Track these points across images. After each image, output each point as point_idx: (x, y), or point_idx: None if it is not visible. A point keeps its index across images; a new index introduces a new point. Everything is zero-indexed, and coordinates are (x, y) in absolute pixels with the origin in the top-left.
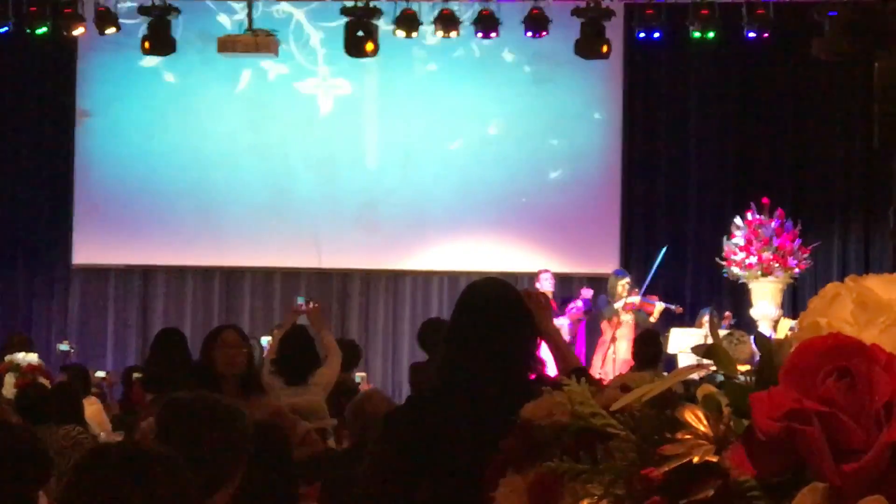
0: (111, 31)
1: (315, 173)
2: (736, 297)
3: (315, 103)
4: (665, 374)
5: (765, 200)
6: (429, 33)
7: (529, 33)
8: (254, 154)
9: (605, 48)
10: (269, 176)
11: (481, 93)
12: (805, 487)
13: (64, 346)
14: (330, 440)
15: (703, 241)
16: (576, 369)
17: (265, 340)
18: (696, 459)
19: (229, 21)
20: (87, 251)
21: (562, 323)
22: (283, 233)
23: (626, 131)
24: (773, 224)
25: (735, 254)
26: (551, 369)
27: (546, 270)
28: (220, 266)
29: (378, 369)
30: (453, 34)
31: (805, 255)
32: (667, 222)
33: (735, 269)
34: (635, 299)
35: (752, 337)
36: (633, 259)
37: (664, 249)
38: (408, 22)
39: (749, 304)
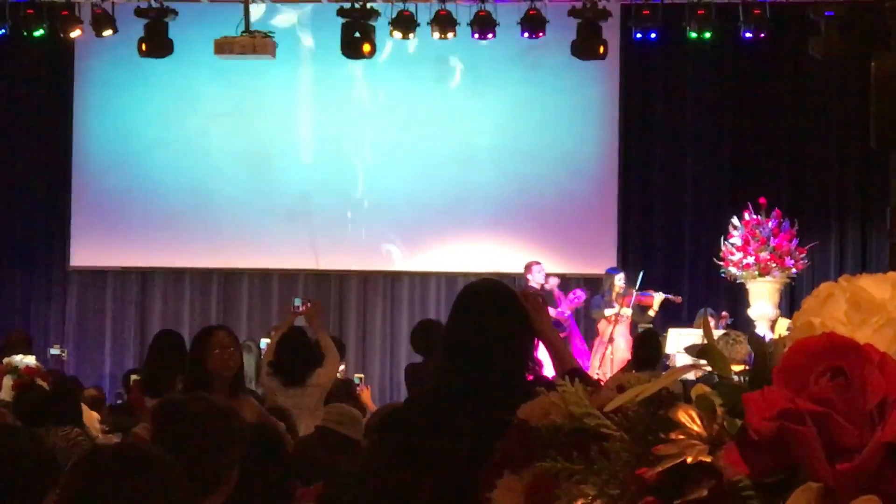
0: (108, 33)
1: (312, 175)
2: (733, 297)
3: (307, 105)
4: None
5: (762, 200)
6: (426, 34)
7: (526, 34)
8: (251, 156)
9: (601, 49)
10: (266, 177)
11: (478, 93)
12: (799, 487)
13: (55, 351)
14: None
15: (700, 241)
16: (572, 370)
17: (264, 343)
18: (689, 459)
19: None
20: (85, 253)
21: (562, 311)
22: (280, 234)
23: (622, 131)
24: (770, 224)
25: (732, 254)
26: (549, 370)
27: (537, 262)
28: (217, 268)
29: (376, 370)
30: (450, 35)
31: (802, 255)
32: (664, 222)
33: (732, 269)
34: (632, 292)
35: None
36: (629, 259)
37: (641, 273)
38: (404, 23)
39: (746, 304)
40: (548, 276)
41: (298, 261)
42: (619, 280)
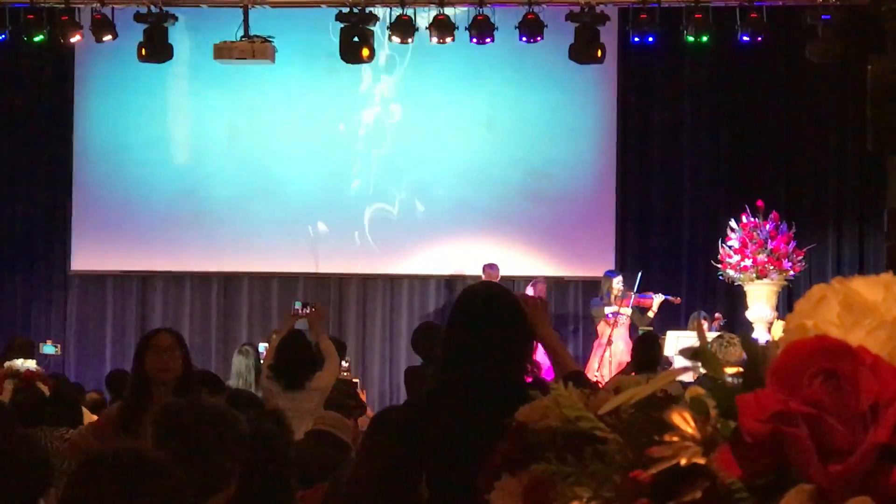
0: (108, 38)
1: (311, 179)
2: (731, 300)
3: (306, 109)
4: None
5: (759, 203)
6: (424, 39)
7: (524, 39)
8: (251, 160)
9: (599, 53)
10: (265, 181)
11: (476, 97)
12: (792, 489)
13: (49, 348)
14: None
15: (697, 244)
16: (572, 373)
17: (262, 347)
18: (683, 461)
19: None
20: (85, 257)
21: None
22: (280, 238)
23: (620, 135)
24: (767, 227)
25: (730, 256)
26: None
27: (492, 265)
28: (217, 272)
29: (375, 373)
30: (448, 40)
31: (800, 258)
32: (662, 225)
33: (730, 272)
34: (631, 294)
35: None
36: (628, 263)
37: (640, 275)
38: (403, 28)
39: (744, 307)
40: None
41: (298, 264)
42: (618, 282)
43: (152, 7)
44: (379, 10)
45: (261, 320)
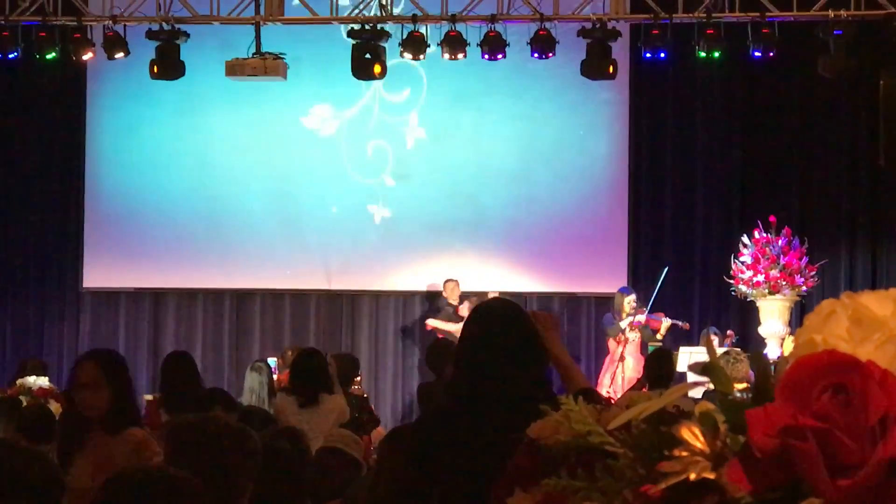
0: (120, 55)
1: (324, 195)
2: (744, 316)
3: (319, 125)
4: None
5: (772, 219)
6: (437, 55)
7: (536, 55)
8: (263, 177)
9: (611, 68)
10: (277, 198)
11: (488, 113)
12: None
13: None
14: None
15: (710, 260)
16: (583, 389)
17: (272, 361)
18: (692, 476)
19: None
20: (98, 275)
21: None
22: (293, 255)
23: (632, 151)
24: (780, 242)
25: (742, 272)
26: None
27: (452, 280)
28: (230, 288)
29: (388, 389)
30: (460, 56)
31: (812, 273)
32: (674, 241)
33: (743, 288)
34: (641, 317)
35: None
36: (641, 278)
37: (665, 269)
38: (415, 44)
39: (757, 322)
40: (464, 296)
41: (310, 281)
42: (631, 300)
43: (164, 24)
44: (391, 27)
45: (273, 337)
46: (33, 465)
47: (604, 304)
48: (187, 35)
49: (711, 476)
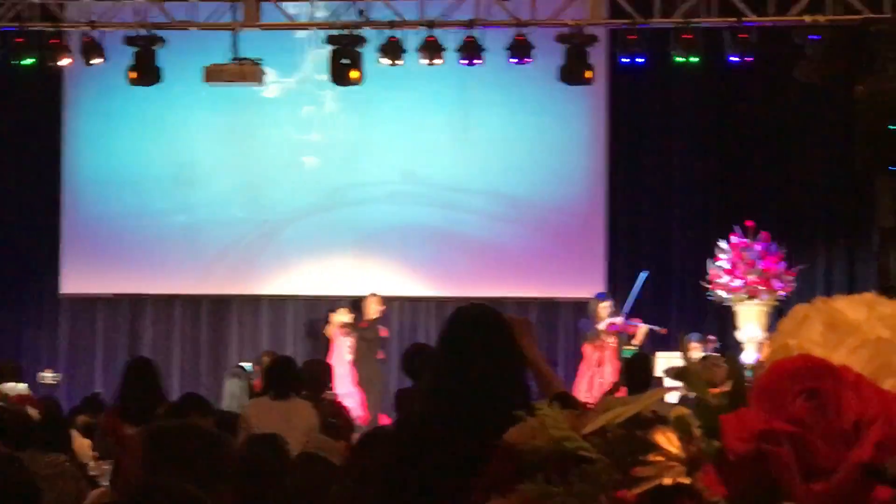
0: (97, 61)
1: (300, 202)
2: (722, 320)
3: (300, 129)
4: None
5: (749, 223)
6: (414, 60)
7: (514, 60)
8: (239, 183)
9: (588, 74)
10: (254, 204)
11: (466, 119)
12: None
13: (48, 376)
14: None
15: (688, 265)
16: (559, 394)
17: (248, 366)
18: (667, 481)
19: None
20: (75, 281)
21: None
22: (269, 261)
23: (610, 156)
24: (757, 247)
25: (720, 277)
26: None
27: (373, 295)
28: (206, 294)
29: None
30: (437, 61)
31: (790, 278)
32: (652, 246)
33: (720, 293)
34: (619, 318)
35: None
36: (618, 283)
37: (644, 274)
38: (392, 50)
39: (735, 327)
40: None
41: (287, 287)
42: (607, 306)
43: (141, 30)
44: (368, 33)
45: (250, 342)
46: (9, 470)
47: (582, 310)
48: (164, 41)
49: (686, 481)
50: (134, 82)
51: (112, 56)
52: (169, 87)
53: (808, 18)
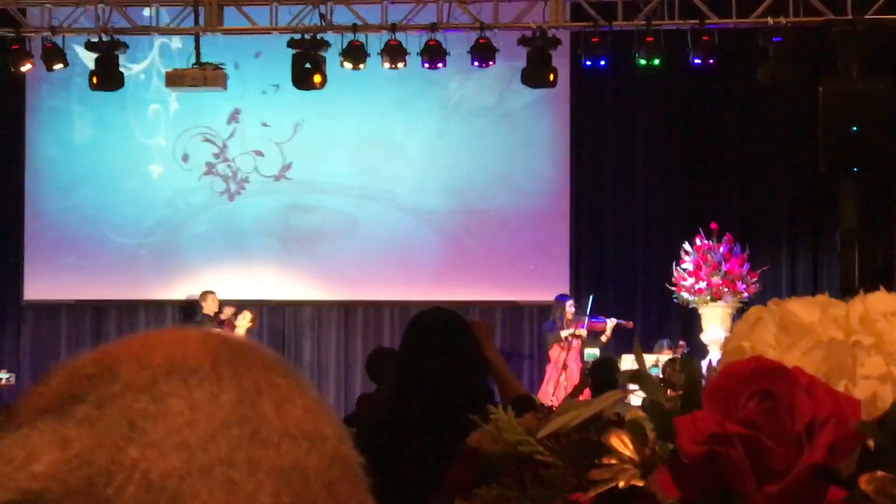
0: (59, 67)
1: (265, 207)
2: (686, 323)
3: (263, 139)
4: None
5: (713, 226)
6: (377, 64)
7: (476, 63)
8: (204, 188)
9: (551, 76)
10: (219, 209)
11: (427, 122)
12: None
13: (3, 377)
14: None
15: (652, 267)
16: (519, 397)
17: None
18: (621, 484)
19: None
20: (39, 287)
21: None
22: (233, 266)
23: (574, 159)
24: (721, 249)
25: (684, 279)
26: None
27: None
28: (171, 300)
29: (331, 399)
30: (400, 65)
31: (754, 280)
32: (616, 248)
33: (685, 295)
34: (583, 319)
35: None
36: (582, 286)
37: (592, 298)
38: (355, 54)
39: (699, 329)
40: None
41: (252, 291)
42: (570, 306)
43: (103, 36)
44: (331, 37)
45: None
46: None
47: (546, 313)
48: (126, 46)
49: (640, 483)
50: (96, 87)
51: (74, 61)
52: (131, 92)
53: (770, 20)
